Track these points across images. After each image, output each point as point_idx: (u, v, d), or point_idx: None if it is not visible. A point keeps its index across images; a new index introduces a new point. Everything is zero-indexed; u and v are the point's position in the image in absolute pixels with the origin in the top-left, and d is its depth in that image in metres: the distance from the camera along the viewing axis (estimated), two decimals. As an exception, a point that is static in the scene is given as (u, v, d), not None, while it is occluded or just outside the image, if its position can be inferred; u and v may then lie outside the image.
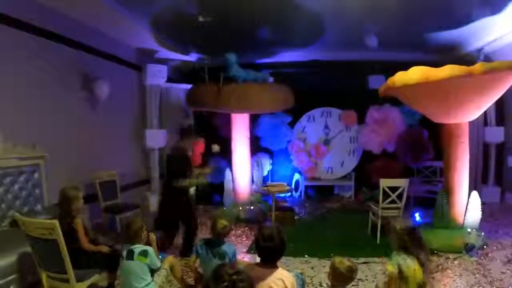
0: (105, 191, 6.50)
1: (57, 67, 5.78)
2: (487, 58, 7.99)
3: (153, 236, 3.94)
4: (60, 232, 3.28)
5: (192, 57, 9.10)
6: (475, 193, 5.84)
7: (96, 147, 6.72)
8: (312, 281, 4.62)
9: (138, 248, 3.45)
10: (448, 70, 4.76)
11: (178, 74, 9.77)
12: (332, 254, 3.27)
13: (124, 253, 3.46)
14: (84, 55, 6.44)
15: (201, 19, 6.27)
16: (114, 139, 7.37)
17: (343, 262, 3.04)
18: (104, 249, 4.02)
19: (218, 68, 7.21)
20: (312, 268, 5.09)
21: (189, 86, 8.15)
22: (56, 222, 3.29)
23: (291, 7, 5.97)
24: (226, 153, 8.38)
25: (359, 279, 4.64)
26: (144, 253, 3.42)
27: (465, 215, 5.81)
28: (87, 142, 6.49)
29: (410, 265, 2.92)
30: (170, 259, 3.88)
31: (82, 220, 4.03)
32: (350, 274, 2.99)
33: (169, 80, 8.81)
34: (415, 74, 4.99)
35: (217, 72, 7.14)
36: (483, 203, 5.83)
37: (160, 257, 3.73)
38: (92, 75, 6.51)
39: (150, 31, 7.13)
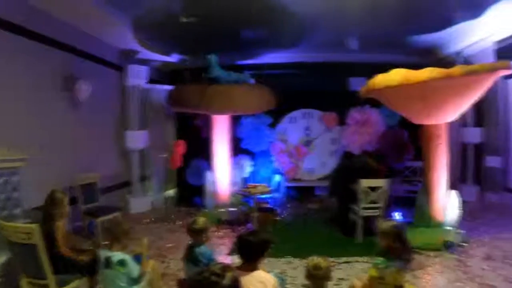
0: (85, 194, 6.38)
1: (37, 67, 5.70)
2: (466, 61, 8.13)
3: (144, 241, 3.78)
4: (40, 237, 3.21)
5: (174, 58, 9.05)
6: (454, 192, 5.94)
7: (76, 149, 6.63)
8: (294, 282, 4.63)
9: (115, 256, 3.32)
10: (427, 73, 4.83)
11: (160, 74, 9.71)
12: (313, 254, 3.27)
13: (102, 260, 3.36)
14: (65, 55, 6.35)
15: (184, 19, 6.24)
16: (95, 141, 7.29)
17: (312, 259, 3.08)
18: (84, 257, 3.89)
19: (200, 69, 7.18)
20: (295, 268, 5.10)
21: (170, 87, 8.10)
22: (35, 226, 3.22)
23: (274, 8, 5.99)
24: (207, 155, 8.33)
25: (341, 279, 4.69)
26: (122, 263, 3.30)
27: (444, 214, 5.90)
28: (68, 144, 6.40)
29: (393, 272, 2.99)
30: (151, 263, 3.80)
31: (64, 225, 3.95)
32: (315, 272, 3.02)
33: (151, 81, 8.76)
34: (396, 76, 5.05)
35: (199, 73, 7.11)
36: (462, 202, 5.93)
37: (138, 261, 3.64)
38: (73, 76, 6.43)
39: (132, 31, 7.07)
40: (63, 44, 6.27)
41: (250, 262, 2.86)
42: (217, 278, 1.92)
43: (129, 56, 8.39)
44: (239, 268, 2.83)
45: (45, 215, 3.96)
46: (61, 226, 3.87)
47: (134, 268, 3.39)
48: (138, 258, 3.62)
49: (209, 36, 7.27)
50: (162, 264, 5.11)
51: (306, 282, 3.22)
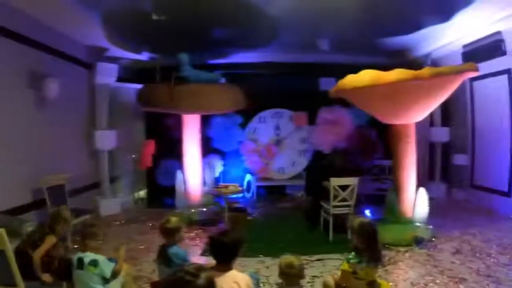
0: (53, 196, 6.10)
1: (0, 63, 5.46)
2: (434, 63, 8.38)
3: (122, 249, 3.71)
4: (7, 241, 3.10)
5: (144, 56, 8.92)
6: (422, 189, 6.09)
7: (44, 149, 6.42)
8: (268, 281, 4.66)
9: (87, 257, 3.32)
10: (396, 74, 4.93)
11: (129, 73, 9.55)
12: (286, 253, 3.30)
13: (75, 261, 3.33)
14: (32, 51, 6.12)
15: (154, 17, 6.15)
16: (63, 141, 7.08)
17: (285, 258, 3.11)
18: (47, 278, 3.70)
19: (170, 68, 7.11)
20: (267, 267, 5.12)
21: (140, 85, 7.96)
22: (2, 231, 3.11)
23: (245, 8, 5.98)
24: (177, 155, 8.25)
25: (315, 276, 4.75)
26: (94, 263, 3.29)
27: (413, 210, 6.04)
28: (34, 144, 6.18)
29: (365, 267, 3.05)
30: (125, 266, 3.74)
31: (57, 243, 3.89)
32: (288, 270, 3.05)
33: (120, 79, 8.60)
34: (365, 77, 5.13)
35: (169, 72, 7.04)
36: (430, 199, 6.09)
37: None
38: (41, 73, 6.21)
39: (101, 28, 6.93)
40: (30, 40, 6.04)
41: (223, 262, 2.84)
42: (192, 277, 1.89)
43: (98, 54, 8.21)
44: (213, 268, 2.81)
45: (47, 226, 3.92)
46: (53, 240, 3.80)
47: (106, 268, 3.36)
48: (113, 260, 3.58)
49: (180, 35, 7.20)
50: (135, 266, 5.01)
51: (279, 280, 3.24)
